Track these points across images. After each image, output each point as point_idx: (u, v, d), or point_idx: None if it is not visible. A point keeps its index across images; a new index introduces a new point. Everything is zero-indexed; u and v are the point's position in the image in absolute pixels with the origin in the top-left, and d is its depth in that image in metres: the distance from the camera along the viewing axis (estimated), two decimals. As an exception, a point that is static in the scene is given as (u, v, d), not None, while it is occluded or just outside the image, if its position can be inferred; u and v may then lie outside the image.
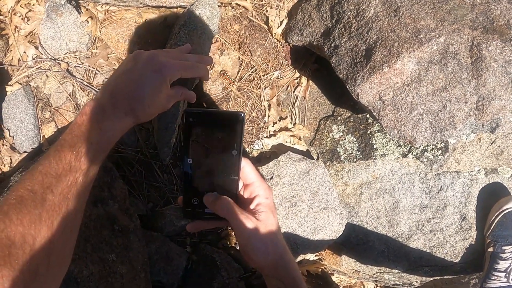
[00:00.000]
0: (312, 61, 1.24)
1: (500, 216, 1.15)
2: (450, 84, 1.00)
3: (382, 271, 1.29)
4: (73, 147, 0.66)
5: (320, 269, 1.33)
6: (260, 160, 1.25)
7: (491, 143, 1.13)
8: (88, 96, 1.27)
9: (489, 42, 0.98)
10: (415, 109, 1.01)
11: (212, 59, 0.91)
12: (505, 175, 1.21)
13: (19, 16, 1.32)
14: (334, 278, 1.39)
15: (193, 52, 1.03)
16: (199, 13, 1.09)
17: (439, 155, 1.11)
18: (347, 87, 1.03)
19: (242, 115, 0.57)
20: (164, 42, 1.25)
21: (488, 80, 0.98)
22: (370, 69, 1.00)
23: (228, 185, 0.62)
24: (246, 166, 0.63)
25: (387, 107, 1.03)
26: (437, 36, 0.98)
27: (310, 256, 1.33)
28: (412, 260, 1.26)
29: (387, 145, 1.14)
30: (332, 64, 1.07)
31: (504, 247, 1.17)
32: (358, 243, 1.27)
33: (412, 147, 1.16)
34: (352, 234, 1.27)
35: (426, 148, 1.11)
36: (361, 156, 1.16)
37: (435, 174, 1.18)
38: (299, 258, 1.30)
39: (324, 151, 1.20)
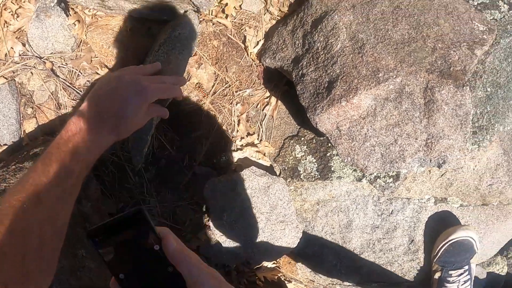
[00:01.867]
0: (283, 83, 1.31)
1: (447, 244, 1.24)
2: (403, 121, 1.07)
3: (335, 283, 1.38)
4: (61, 162, 0.71)
5: (277, 277, 1.41)
6: (226, 171, 1.32)
7: (441, 175, 1.21)
8: (69, 96, 1.32)
9: (442, 86, 1.05)
10: (368, 140, 1.09)
11: (186, 80, 0.98)
12: (454, 204, 1.29)
13: (9, 12, 1.37)
14: (291, 285, 1.47)
15: (169, 71, 1.10)
16: (179, 33, 1.16)
17: (391, 182, 1.18)
18: (307, 115, 1.10)
19: (142, 209, 0.52)
20: (146, 50, 1.31)
21: (438, 121, 1.06)
22: (329, 101, 1.07)
23: (170, 281, 0.54)
24: (176, 254, 0.53)
25: (343, 136, 1.10)
26: (394, 76, 1.05)
27: (268, 264, 1.41)
28: (363, 275, 1.35)
29: (344, 168, 1.22)
30: (297, 92, 1.14)
31: (450, 272, 1.26)
32: (313, 254, 1.36)
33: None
34: (307, 246, 1.35)
35: (379, 175, 1.18)
36: (319, 176, 1.23)
37: (387, 199, 1.26)
38: (258, 265, 1.39)
39: (286, 168, 1.27)
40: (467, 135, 1.10)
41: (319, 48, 1.15)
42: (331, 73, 1.10)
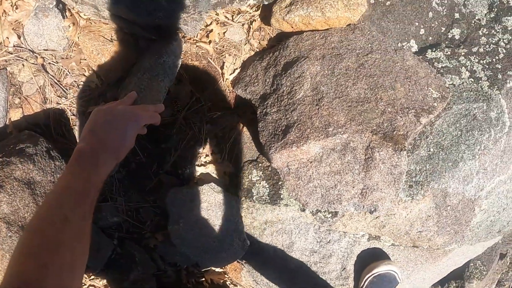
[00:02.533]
0: (250, 111, 1.44)
1: (371, 277, 1.41)
2: (344, 170, 1.21)
3: (274, 293, 1.55)
4: (78, 185, 0.82)
5: (222, 280, 1.58)
6: (188, 183, 1.46)
7: (375, 218, 1.36)
8: (55, 92, 1.44)
9: (382, 148, 1.19)
10: (312, 181, 1.23)
11: (163, 107, 1.13)
12: (386, 243, 1.46)
13: (9, 3, 1.47)
14: (236, 289, 1.65)
15: (150, 96, 1.24)
16: (164, 61, 1.28)
17: (329, 217, 1.33)
18: (263, 150, 1.23)
19: None
20: (132, 63, 1.42)
21: (374, 176, 1.20)
22: (283, 144, 1.21)
23: None
24: None
25: (291, 174, 1.24)
26: (342, 132, 1.19)
27: (216, 268, 1.57)
28: (298, 290, 1.52)
29: (291, 198, 1.36)
30: (258, 128, 1.27)
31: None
32: (257, 266, 1.52)
33: (312, 206, 1.38)
34: (252, 258, 1.51)
35: (320, 209, 1.33)
36: (269, 201, 1.38)
37: (326, 229, 1.41)
38: (206, 268, 1.55)
39: (242, 188, 1.42)
40: (399, 190, 1.25)
41: (284, 92, 1.28)
42: (290, 118, 1.23)
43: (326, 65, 1.31)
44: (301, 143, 1.19)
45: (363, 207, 1.25)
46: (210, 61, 1.47)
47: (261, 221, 1.45)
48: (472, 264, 1.96)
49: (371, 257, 1.46)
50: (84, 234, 0.78)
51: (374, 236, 1.45)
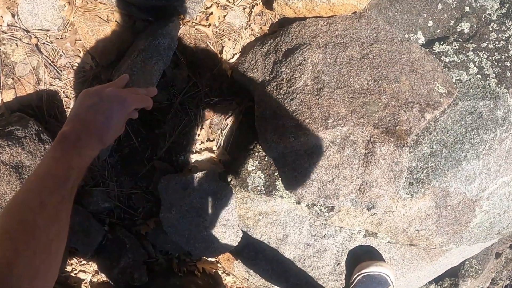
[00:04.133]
0: (248, 98, 1.34)
1: (360, 276, 1.32)
2: (342, 164, 1.12)
3: (265, 286, 1.46)
4: (58, 170, 0.76)
5: (214, 270, 1.50)
6: (182, 170, 1.37)
7: (373, 214, 1.27)
8: (49, 74, 1.35)
9: (383, 143, 1.10)
10: (308, 174, 1.14)
11: (156, 91, 1.02)
12: (383, 240, 1.37)
13: (4, -20, 1.37)
14: (230, 278, 1.56)
15: (143, 79, 1.14)
16: (159, 42, 1.18)
17: (325, 211, 1.24)
18: (259, 139, 1.14)
19: None
20: (127, 45, 1.33)
21: (374, 172, 1.11)
22: (280, 134, 1.11)
23: None
24: None
25: (287, 166, 1.15)
26: (342, 125, 1.09)
27: (209, 258, 1.49)
28: (290, 284, 1.43)
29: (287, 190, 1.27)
30: (255, 116, 1.17)
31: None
32: (249, 257, 1.43)
33: (307, 199, 1.29)
34: (245, 249, 1.43)
35: (316, 203, 1.24)
36: (264, 192, 1.29)
37: (322, 223, 1.32)
38: (198, 257, 1.46)
39: (237, 177, 1.33)
40: (399, 188, 1.15)
41: (284, 80, 1.18)
42: (288, 107, 1.13)
43: (329, 54, 1.20)
44: (299, 134, 1.09)
45: (361, 203, 1.16)
46: (208, 45, 1.36)
47: (255, 212, 1.36)
48: (467, 263, 1.87)
49: (364, 254, 1.37)
50: (59, 217, 0.72)
51: (370, 233, 1.36)
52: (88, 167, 0.84)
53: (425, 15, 1.45)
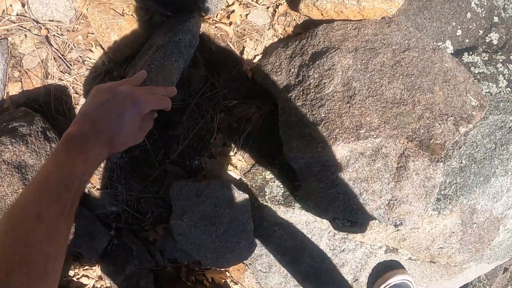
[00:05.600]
0: (269, 102, 1.22)
1: (387, 287, 1.21)
2: (372, 178, 1.01)
3: (276, 298, 1.35)
4: (59, 178, 0.65)
5: (224, 280, 1.37)
6: (196, 176, 1.25)
7: (396, 230, 1.16)
8: (58, 67, 1.22)
9: (417, 157, 0.99)
10: (335, 187, 1.02)
11: (175, 91, 0.90)
12: (404, 256, 1.26)
13: (15, -33, 1.24)
14: (237, 287, 1.44)
15: (161, 77, 1.01)
16: (179, 39, 1.05)
17: (348, 226, 1.13)
18: (283, 147, 1.02)
19: None
20: (143, 41, 1.20)
21: (405, 187, 1.00)
22: (306, 142, 0.99)
23: None
24: None
25: (312, 177, 1.03)
26: (375, 136, 0.98)
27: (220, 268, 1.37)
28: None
29: (307, 201, 1.15)
30: (279, 122, 1.06)
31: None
32: (262, 269, 1.32)
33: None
34: (258, 260, 1.31)
35: (339, 218, 1.13)
36: (283, 202, 1.18)
37: (342, 237, 1.21)
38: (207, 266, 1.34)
39: (254, 185, 1.21)
40: (429, 205, 1.04)
41: (311, 85, 1.06)
42: (316, 115, 1.02)
43: (359, 59, 1.09)
44: (328, 144, 0.98)
45: (388, 219, 1.04)
46: (229, 44, 1.24)
47: (271, 222, 1.25)
48: (476, 278, 1.77)
49: (387, 270, 1.26)
50: (58, 233, 0.62)
51: (391, 249, 1.25)
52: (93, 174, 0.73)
53: (454, 23, 1.34)
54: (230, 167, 1.25)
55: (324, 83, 1.05)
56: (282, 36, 1.27)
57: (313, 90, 1.05)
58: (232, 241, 1.22)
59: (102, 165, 1.26)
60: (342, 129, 0.98)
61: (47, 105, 1.22)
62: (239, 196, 1.20)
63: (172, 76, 1.03)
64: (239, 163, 1.24)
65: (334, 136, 0.98)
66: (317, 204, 1.04)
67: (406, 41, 1.16)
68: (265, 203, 1.23)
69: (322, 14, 1.21)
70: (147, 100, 0.78)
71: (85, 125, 0.72)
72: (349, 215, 1.04)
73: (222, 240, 1.22)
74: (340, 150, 0.99)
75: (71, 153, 0.68)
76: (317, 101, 1.03)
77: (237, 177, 1.25)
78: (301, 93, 1.07)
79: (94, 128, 0.72)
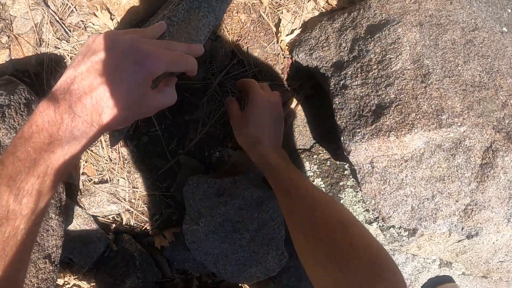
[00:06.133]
0: (309, 86, 0.99)
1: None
2: (450, 177, 0.79)
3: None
4: (13, 181, 0.44)
5: (240, 295, 1.13)
6: (216, 171, 1.00)
7: (458, 241, 0.94)
8: (55, 33, 0.96)
9: (508, 152, 0.77)
10: (403, 188, 0.80)
11: (202, 49, 0.65)
12: (457, 271, 1.04)
13: None
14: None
15: (185, 34, 0.76)
16: (209, -9, 0.81)
17: (405, 236, 0.90)
18: (341, 138, 0.79)
19: None
20: (160, 4, 0.96)
21: (489, 189, 0.78)
22: (374, 130, 0.76)
23: None
24: None
25: (374, 174, 0.80)
26: (459, 124, 0.75)
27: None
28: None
29: (355, 205, 0.93)
30: (334, 105, 0.83)
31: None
32: (289, 284, 1.07)
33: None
34: (284, 273, 1.06)
35: (400, 225, 0.90)
36: (324, 206, 0.94)
37: (391, 249, 0.98)
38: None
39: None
40: (510, 211, 0.83)
41: (373, 60, 0.84)
42: (383, 96, 0.79)
43: (427, 34, 0.88)
44: (403, 132, 0.75)
45: (462, 229, 0.82)
46: (262, 15, 1.01)
47: (305, 229, 1.01)
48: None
49: (436, 285, 1.04)
50: (6, 264, 0.43)
51: (446, 262, 1.03)
52: (69, 172, 0.52)
53: (510, 10, 1.16)
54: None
55: (390, 58, 0.82)
56: (323, 10, 1.04)
57: (375, 67, 0.83)
58: (259, 252, 0.98)
59: (101, 152, 1.00)
60: (419, 114, 0.76)
61: (39, 78, 0.96)
62: (270, 196, 0.96)
63: (199, 34, 0.78)
64: (270, 157, 1.00)
65: (410, 122, 0.75)
66: (380, 210, 0.82)
67: (473, 20, 0.96)
68: (300, 206, 0.99)
69: (373, -15, 1.00)
70: (161, 57, 0.52)
71: (65, 97, 0.48)
72: (418, 224, 0.82)
73: (247, 251, 0.97)
74: (416, 141, 0.76)
75: (38, 144, 0.46)
76: (382, 79, 0.81)
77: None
78: (359, 70, 0.84)
79: (77, 100, 0.48)
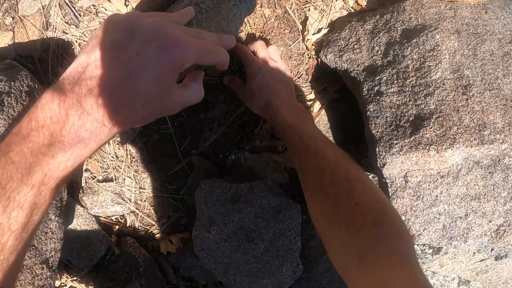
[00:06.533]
0: (334, 89, 0.94)
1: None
2: (485, 196, 0.74)
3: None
4: (2, 188, 0.37)
5: (246, 306, 1.07)
6: (231, 174, 0.94)
7: (481, 260, 0.90)
8: (63, 17, 0.88)
9: (549, 171, 0.73)
10: (436, 205, 0.75)
11: (235, 40, 0.59)
12: (473, 290, 1.00)
13: None
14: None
15: (214, 24, 0.70)
16: (243, -24, 0.74)
17: (429, 253, 0.86)
18: (376, 149, 0.74)
19: None
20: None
21: (527, 210, 0.74)
22: (413, 143, 0.71)
23: None
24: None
25: (407, 189, 0.75)
26: (501, 141, 0.71)
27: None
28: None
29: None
30: (368, 112, 0.78)
31: None
32: (297, 297, 1.02)
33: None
34: (296, 286, 1.01)
35: (429, 244, 0.86)
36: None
37: (410, 266, 0.94)
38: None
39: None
40: (542, 233, 0.79)
41: (410, 67, 0.79)
42: (422, 106, 0.74)
43: (465, 43, 0.83)
44: (444, 146, 0.70)
45: (492, 250, 0.78)
46: (288, 11, 0.95)
47: (321, 240, 0.96)
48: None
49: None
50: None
51: (464, 281, 0.99)
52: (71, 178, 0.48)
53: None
54: (277, 167, 0.95)
55: (429, 66, 0.78)
56: (352, 10, 0.99)
57: (413, 74, 0.78)
58: (273, 263, 0.92)
59: (107, 148, 0.93)
60: (461, 128, 0.71)
61: (43, 64, 0.88)
62: (289, 206, 0.90)
63: (230, 25, 0.72)
64: (289, 162, 0.94)
65: (452, 136, 0.71)
66: (410, 227, 0.77)
67: (508, 32, 0.91)
68: (317, 216, 0.94)
69: (406, -12, 0.95)
70: (191, 45, 0.44)
71: (74, 88, 0.40)
72: (448, 242, 0.78)
73: (260, 261, 0.92)
74: (456, 156, 0.72)
75: (35, 143, 0.39)
76: (421, 88, 0.76)
77: (286, 181, 0.95)
78: (394, 76, 0.79)
79: (89, 95, 0.40)
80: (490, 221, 0.76)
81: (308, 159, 0.67)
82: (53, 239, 0.80)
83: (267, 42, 0.93)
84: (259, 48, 0.85)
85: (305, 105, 0.93)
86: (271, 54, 0.85)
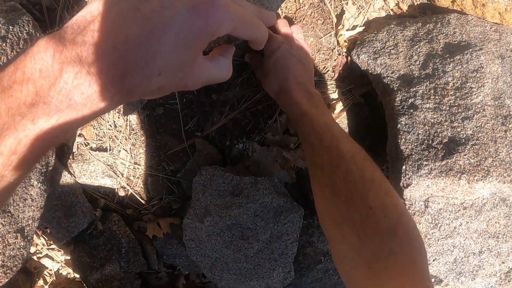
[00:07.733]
0: (360, 92, 0.88)
1: None
2: (505, 235, 0.70)
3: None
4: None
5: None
6: (235, 165, 0.88)
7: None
8: (79, -40, 0.79)
9: None
10: (453, 237, 0.70)
11: (276, 18, 0.52)
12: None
13: None
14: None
15: (256, 2, 0.63)
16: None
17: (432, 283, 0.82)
18: (403, 166, 0.68)
19: None
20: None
21: (545, 257, 0.70)
22: (444, 168, 0.66)
23: None
24: None
25: (426, 215, 0.70)
26: (536, 180, 0.66)
27: None
28: None
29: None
30: (399, 125, 0.72)
31: None
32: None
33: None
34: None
35: (441, 277, 0.81)
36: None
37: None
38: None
39: (312, 198, 0.86)
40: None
41: (449, 84, 0.73)
42: (459, 129, 0.69)
43: (508, 70, 0.78)
44: (476, 178, 0.65)
45: (498, 291, 0.75)
46: (324, 0, 0.88)
47: (319, 250, 0.91)
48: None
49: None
50: None
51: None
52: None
53: None
54: (286, 164, 0.89)
55: (471, 87, 0.72)
56: (392, 13, 0.92)
57: (452, 93, 0.72)
58: (264, 265, 0.87)
59: (106, 115, 0.86)
60: (497, 161, 0.66)
61: (51, 14, 0.79)
62: (292, 208, 0.85)
63: (271, 1, 0.64)
64: (299, 162, 0.88)
65: (486, 168, 0.65)
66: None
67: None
68: (318, 225, 0.89)
69: (451, 2, 0.88)
70: (231, 10, 0.36)
71: (84, 40, 0.31)
72: (453, 278, 0.73)
73: (251, 262, 0.86)
74: (485, 190, 0.67)
75: (24, 104, 0.30)
76: (459, 109, 0.70)
77: (292, 181, 0.90)
78: (432, 91, 0.73)
79: (86, 47, 0.31)
80: (503, 262, 0.71)
81: (321, 152, 0.61)
82: (32, 207, 0.72)
83: (291, 22, 0.86)
84: (281, 25, 0.78)
85: (326, 104, 0.87)
86: (294, 33, 0.78)
